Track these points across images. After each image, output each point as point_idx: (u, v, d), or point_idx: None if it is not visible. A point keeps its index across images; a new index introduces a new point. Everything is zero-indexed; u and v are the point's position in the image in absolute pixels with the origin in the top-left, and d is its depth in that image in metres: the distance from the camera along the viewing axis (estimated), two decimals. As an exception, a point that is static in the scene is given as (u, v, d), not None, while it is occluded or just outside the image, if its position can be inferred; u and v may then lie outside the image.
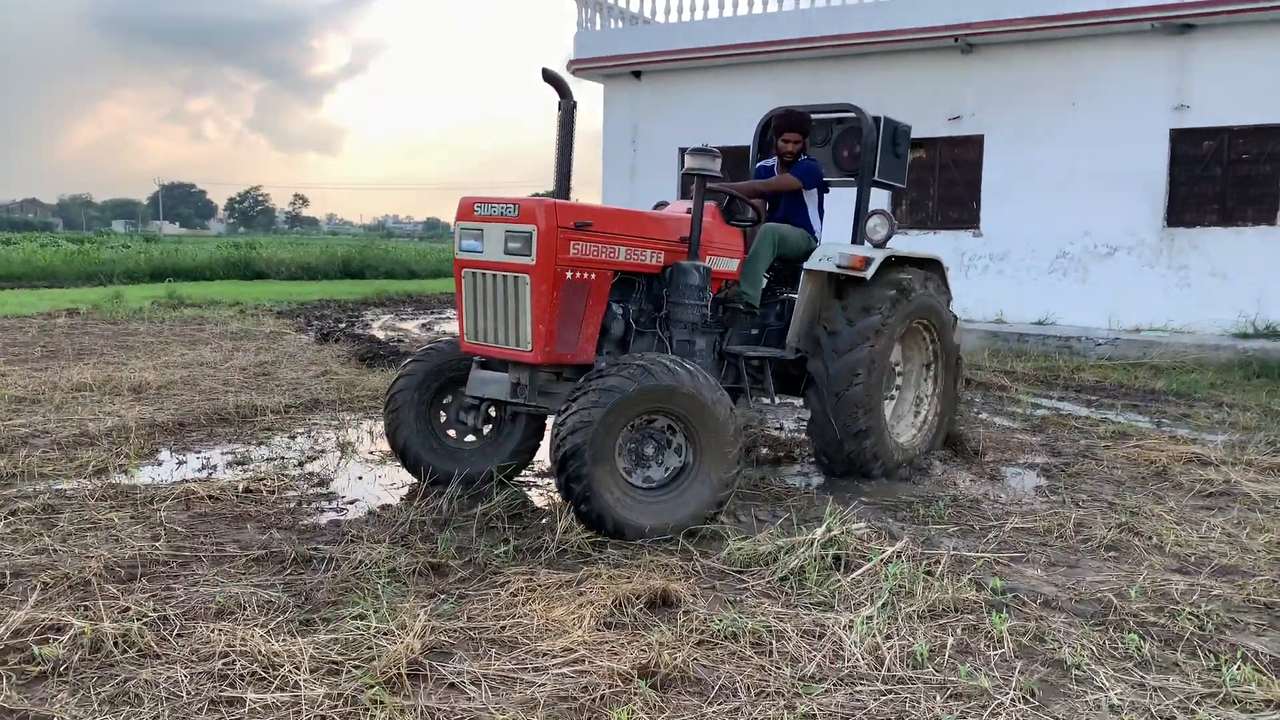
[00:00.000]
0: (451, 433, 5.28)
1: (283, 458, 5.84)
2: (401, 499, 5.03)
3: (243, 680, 2.89)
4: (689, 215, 5.12)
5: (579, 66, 16.75)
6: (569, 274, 4.61)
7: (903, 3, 13.81)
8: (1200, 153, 12.47)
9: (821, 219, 6.06)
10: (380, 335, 12.71)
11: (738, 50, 15.06)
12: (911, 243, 14.28)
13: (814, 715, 2.81)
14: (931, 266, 6.01)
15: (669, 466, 4.43)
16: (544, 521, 4.59)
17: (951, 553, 4.23)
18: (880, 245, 5.61)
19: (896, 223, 5.70)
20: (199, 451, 5.98)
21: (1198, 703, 2.95)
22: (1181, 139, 12.51)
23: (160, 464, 5.66)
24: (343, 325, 13.63)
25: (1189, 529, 4.78)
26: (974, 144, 13.84)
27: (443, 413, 5.27)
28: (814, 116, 6.14)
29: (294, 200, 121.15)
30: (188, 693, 2.80)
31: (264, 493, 5.01)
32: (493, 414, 5.20)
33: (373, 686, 2.82)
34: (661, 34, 16.11)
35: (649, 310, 5.16)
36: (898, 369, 6.02)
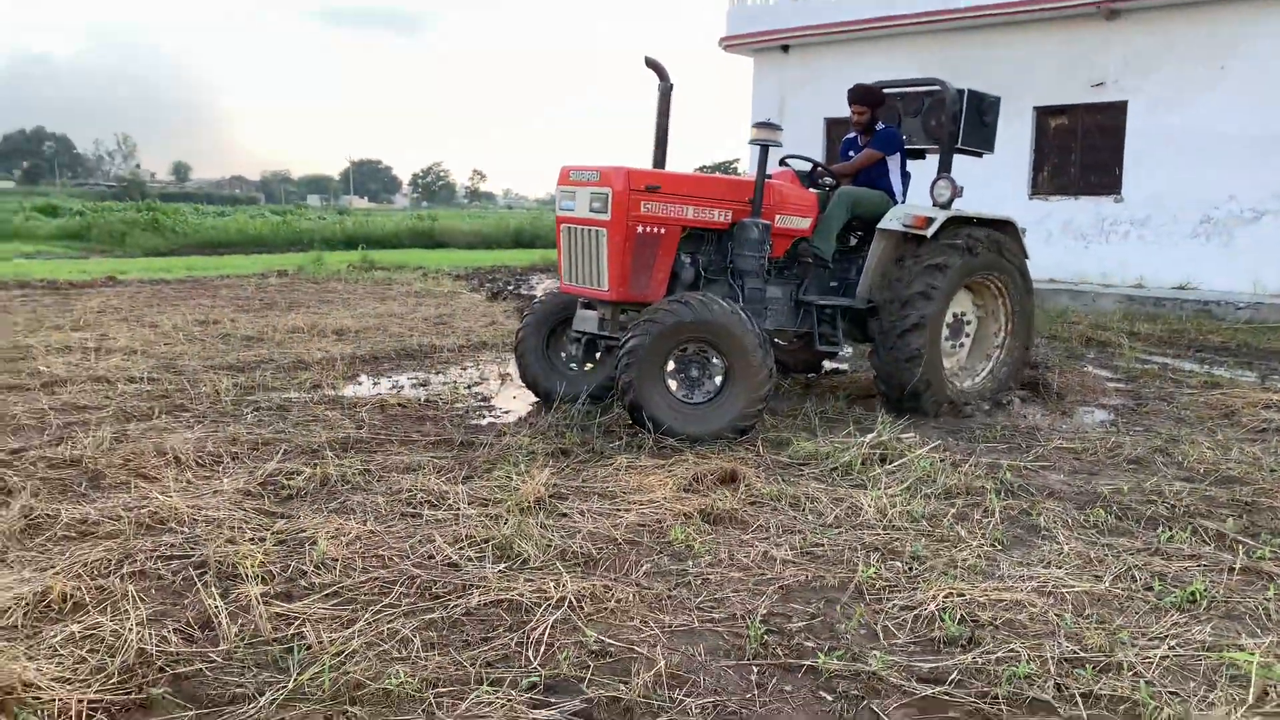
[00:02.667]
0: (563, 359, 6.46)
1: (455, 382, 7.18)
2: (543, 411, 6.25)
3: (421, 504, 4.15)
4: (765, 179, 6.06)
5: (730, 43, 17.65)
6: (640, 228, 5.64)
7: (1045, -29, 14.01)
8: (1355, 114, 12.23)
9: (906, 183, 6.85)
10: (541, 295, 14.13)
11: (881, 23, 15.61)
12: (1052, 208, 14.57)
13: (822, 544, 3.81)
14: (1003, 228, 6.63)
15: (712, 387, 5.41)
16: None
17: (982, 458, 5.08)
18: (944, 207, 6.33)
19: (961, 187, 6.38)
20: (389, 376, 7.42)
21: (1131, 554, 3.77)
22: (1335, 100, 12.29)
23: (360, 384, 7.11)
24: (511, 286, 15.13)
25: (1219, 453, 5.40)
26: (1117, 109, 13.94)
27: (560, 346, 6.46)
28: (906, 91, 6.94)
29: (473, 175, 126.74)
30: (385, 508, 4.08)
31: (440, 404, 6.35)
32: (598, 347, 6.28)
33: (509, 509, 4.02)
34: (809, 9, 16.77)
35: (718, 261, 6.12)
36: (967, 320, 6.69)
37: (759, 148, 5.84)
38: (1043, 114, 14.69)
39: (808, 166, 6.84)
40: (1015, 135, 14.59)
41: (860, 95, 6.70)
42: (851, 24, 15.99)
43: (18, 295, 11.98)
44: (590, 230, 5.73)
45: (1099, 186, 14.29)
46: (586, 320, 5.98)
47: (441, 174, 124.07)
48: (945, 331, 6.46)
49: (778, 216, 6.22)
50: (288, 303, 11.88)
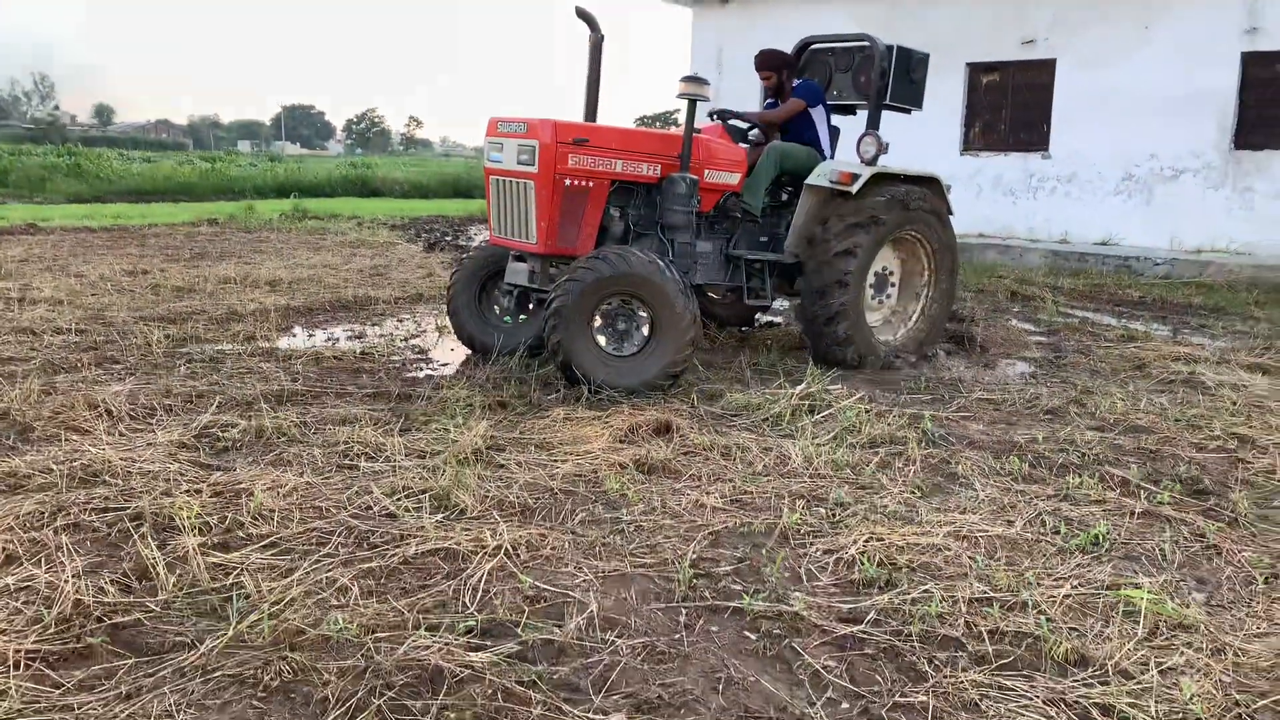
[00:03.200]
0: (497, 313, 6.50)
1: (391, 334, 7.17)
2: (480, 364, 6.28)
3: (358, 456, 4.19)
4: (694, 133, 6.09)
5: (669, -8, 17.52)
6: (568, 181, 5.67)
7: (981, -72, 14.15)
8: (1272, 75, 12.65)
9: (835, 138, 6.96)
10: (472, 249, 14.04)
11: (820, -24, 15.61)
12: (982, 164, 14.85)
13: (751, 492, 3.95)
14: (929, 184, 6.77)
15: (640, 339, 5.48)
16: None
17: (906, 409, 5.27)
18: (870, 163, 6.45)
19: (887, 143, 6.50)
20: (324, 328, 7.37)
21: (1042, 500, 3.98)
22: (1253, 62, 12.69)
23: (294, 335, 7.06)
24: (449, 237, 15.01)
25: (1129, 404, 5.66)
26: (1046, 68, 14.21)
27: (491, 298, 6.51)
28: (838, 46, 7.03)
29: (409, 122, 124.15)
30: (322, 461, 4.12)
31: (376, 356, 6.35)
32: (529, 300, 6.31)
33: (447, 461, 4.09)
34: (749, -40, 16.71)
35: (648, 215, 6.18)
36: (891, 275, 6.85)
37: (686, 102, 5.87)
38: (975, 70, 14.91)
39: (736, 122, 6.90)
40: (948, 91, 14.81)
41: (764, 60, 6.78)
42: (791, -24, 15.97)
43: (-68, 243, 11.57)
44: (518, 183, 5.73)
45: (1028, 143, 14.60)
46: (517, 273, 6.02)
47: (376, 120, 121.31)
48: (869, 288, 6.61)
49: (706, 171, 6.28)
50: (219, 253, 11.66)
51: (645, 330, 5.48)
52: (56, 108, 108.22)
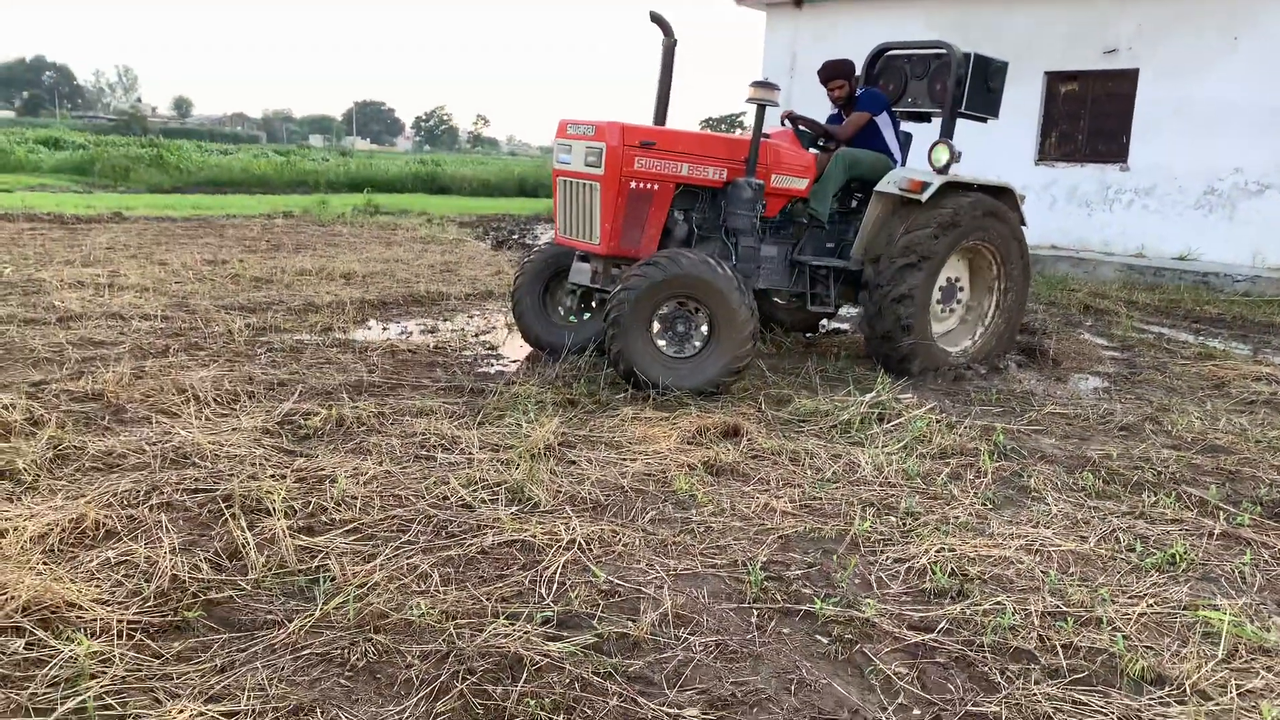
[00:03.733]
0: (561, 313, 6.57)
1: (463, 330, 7.30)
2: (550, 361, 6.37)
3: (434, 447, 4.29)
4: (763, 138, 6.11)
5: (743, -4, 17.51)
6: (633, 184, 5.72)
7: (1063, -66, 13.92)
8: (1365, 90, 12.24)
9: (906, 145, 6.90)
10: (536, 248, 14.20)
11: (896, -19, 15.49)
12: (1058, 175, 14.60)
13: (820, 498, 3.97)
14: (1001, 195, 6.67)
15: (700, 339, 5.50)
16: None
17: (977, 420, 5.23)
18: (942, 172, 6.37)
19: (960, 151, 6.41)
20: (398, 321, 7.53)
21: (1117, 517, 3.93)
22: (1346, 75, 12.29)
23: (370, 328, 7.23)
24: (515, 236, 15.19)
25: (1208, 423, 5.55)
26: (1127, 78, 13.91)
27: (555, 297, 6.59)
28: (914, 52, 6.98)
29: (476, 120, 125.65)
30: (400, 450, 4.23)
31: (449, 351, 6.47)
32: (592, 300, 6.39)
33: (520, 455, 4.17)
34: (823, -36, 16.63)
35: (712, 218, 6.19)
36: (960, 286, 6.78)
37: (755, 106, 5.88)
38: (1053, 79, 14.65)
39: (804, 129, 6.89)
40: (1025, 100, 14.57)
41: (831, 71, 6.74)
42: (865, -19, 15.87)
43: (26, 229, 12.04)
44: (585, 184, 5.81)
45: (1106, 154, 14.31)
46: (581, 272, 6.09)
47: (445, 118, 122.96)
48: (937, 296, 6.55)
49: (773, 176, 6.28)
50: (294, 244, 11.95)
51: (704, 330, 5.51)
52: (139, 100, 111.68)
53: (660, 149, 5.80)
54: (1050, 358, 7.28)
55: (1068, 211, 14.52)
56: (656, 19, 5.88)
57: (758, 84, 5.73)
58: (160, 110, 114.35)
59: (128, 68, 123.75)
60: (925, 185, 6.23)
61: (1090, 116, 14.43)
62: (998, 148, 14.05)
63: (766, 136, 6.35)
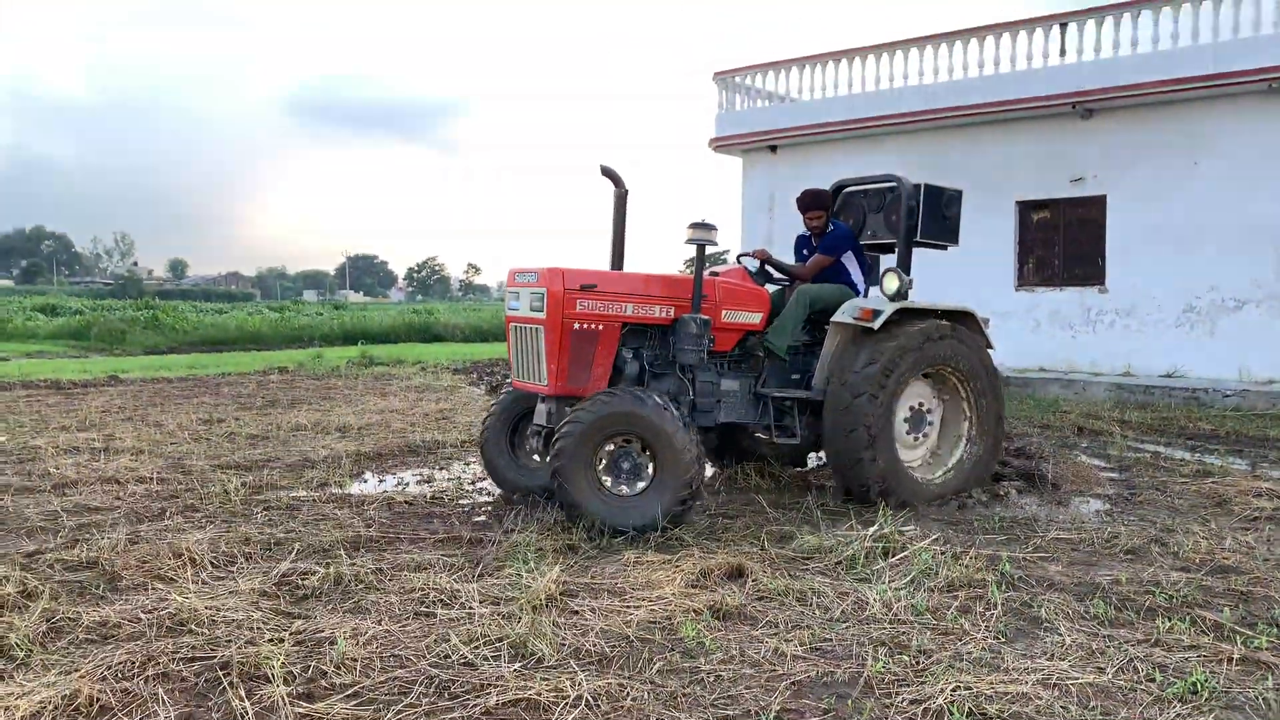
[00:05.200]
0: (529, 454, 6.59)
1: (459, 478, 7.28)
2: (547, 506, 6.33)
3: (434, 603, 4.22)
4: (708, 276, 6.28)
5: (720, 144, 18.22)
6: (576, 325, 5.87)
7: (1021, 74, 14.65)
8: (1328, 206, 12.65)
9: (867, 275, 7.06)
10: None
11: (866, 123, 16.18)
12: (1038, 299, 14.90)
13: (830, 639, 3.89)
14: (963, 318, 6.74)
15: (645, 480, 5.53)
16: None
17: (982, 550, 5.18)
18: (894, 299, 6.48)
19: (910, 279, 6.50)
20: (394, 473, 7.51)
21: (1132, 646, 3.86)
22: (1308, 193, 12.73)
23: (366, 481, 7.20)
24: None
25: (1214, 542, 5.50)
26: (1097, 204, 14.38)
27: (522, 439, 6.62)
28: (869, 187, 7.25)
29: (467, 269, 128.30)
30: (399, 608, 4.16)
31: (446, 500, 6.44)
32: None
33: (522, 607, 4.10)
34: (796, 111, 17.39)
35: (664, 355, 6.30)
36: (928, 410, 6.75)
37: (695, 246, 6.00)
38: (1025, 208, 15.14)
39: (757, 265, 7.06)
40: (999, 228, 15.02)
41: (810, 201, 6.97)
42: (837, 124, 16.57)
43: (22, 395, 12.10)
44: (531, 328, 5.98)
45: (1083, 277, 14.65)
46: (540, 414, 6.18)
47: (436, 268, 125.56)
48: (903, 424, 6.58)
49: (725, 312, 6.41)
50: (290, 400, 12.01)
51: (650, 470, 5.55)
52: (135, 264, 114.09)
53: (601, 291, 5.97)
54: (1050, 481, 7.25)
55: (1052, 334, 14.75)
56: (607, 172, 6.14)
57: (695, 225, 5.87)
58: (156, 272, 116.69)
59: (124, 233, 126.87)
60: (876, 313, 6.32)
61: (1064, 242, 14.84)
62: (979, 275, 14.42)
63: (715, 274, 6.53)
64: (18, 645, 3.62)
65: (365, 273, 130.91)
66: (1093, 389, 13.12)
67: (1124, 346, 14.08)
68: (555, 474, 5.38)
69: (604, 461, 5.53)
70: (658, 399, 5.56)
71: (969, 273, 13.99)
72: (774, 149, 17.75)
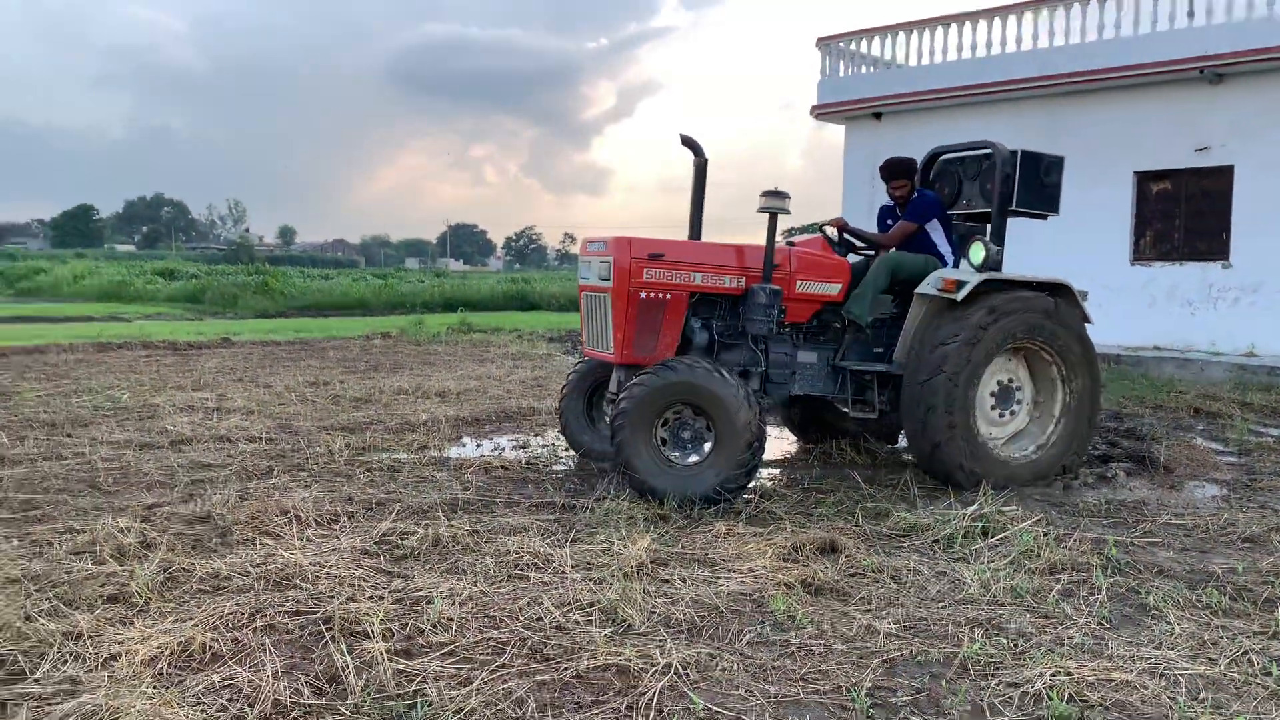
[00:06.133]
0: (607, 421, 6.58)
1: (554, 444, 7.36)
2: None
3: (528, 566, 4.29)
4: (784, 245, 6.18)
5: (822, 111, 17.88)
6: (643, 294, 5.83)
7: (1146, 37, 13.93)
8: None
9: (956, 246, 6.81)
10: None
11: (975, 90, 15.64)
12: (1155, 274, 14.25)
13: (925, 618, 3.82)
14: (1059, 291, 6.45)
15: (705, 450, 5.47)
16: (753, 487, 5.78)
17: (1087, 533, 5.01)
18: (980, 269, 6.21)
19: (999, 249, 6.24)
20: (491, 438, 7.65)
21: (1248, 637, 3.68)
22: None
23: (464, 445, 7.35)
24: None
25: (1340, 533, 5.20)
26: (1223, 174, 13.64)
27: (599, 406, 6.68)
28: (965, 155, 6.99)
29: (564, 238, 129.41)
30: (494, 570, 4.23)
31: (540, 466, 6.53)
32: None
33: (613, 574, 4.13)
34: (901, 77, 16.92)
35: (734, 325, 6.18)
36: (1017, 387, 6.50)
37: (768, 215, 5.86)
38: (1144, 179, 14.45)
39: (836, 235, 6.90)
40: (1115, 200, 14.39)
41: (893, 170, 6.77)
42: (944, 91, 16.07)
43: (142, 355, 12.70)
44: (600, 297, 5.99)
45: (1205, 252, 13.94)
46: (614, 382, 6.18)
47: (534, 237, 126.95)
48: (989, 402, 6.36)
49: (799, 282, 6.27)
50: (392, 364, 12.32)
51: (709, 441, 5.51)
52: (247, 230, 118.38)
53: (669, 260, 5.92)
54: (1161, 465, 6.96)
55: (1168, 311, 14.10)
56: (687, 141, 6.04)
57: (768, 193, 5.76)
58: (267, 239, 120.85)
59: (237, 200, 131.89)
60: (960, 284, 6.10)
61: (1185, 214, 14.14)
62: (1090, 248, 13.87)
63: (792, 244, 6.38)
64: (138, 593, 3.81)
65: (465, 241, 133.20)
66: (1211, 369, 12.51)
67: (1247, 325, 13.37)
68: (615, 442, 5.41)
69: (664, 431, 5.53)
70: (716, 368, 5.49)
71: (1080, 246, 13.47)
72: (878, 116, 17.33)
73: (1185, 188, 14.09)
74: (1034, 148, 6.84)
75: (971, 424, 6.11)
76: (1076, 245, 13.06)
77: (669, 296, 5.96)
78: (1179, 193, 14.16)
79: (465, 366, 12.21)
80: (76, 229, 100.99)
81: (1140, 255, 14.56)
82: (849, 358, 6.53)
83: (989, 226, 6.62)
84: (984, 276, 6.17)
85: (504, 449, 7.19)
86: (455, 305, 25.41)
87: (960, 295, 6.08)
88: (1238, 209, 13.54)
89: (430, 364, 12.49)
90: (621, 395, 5.49)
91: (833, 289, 6.44)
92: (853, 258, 6.81)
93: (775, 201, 5.78)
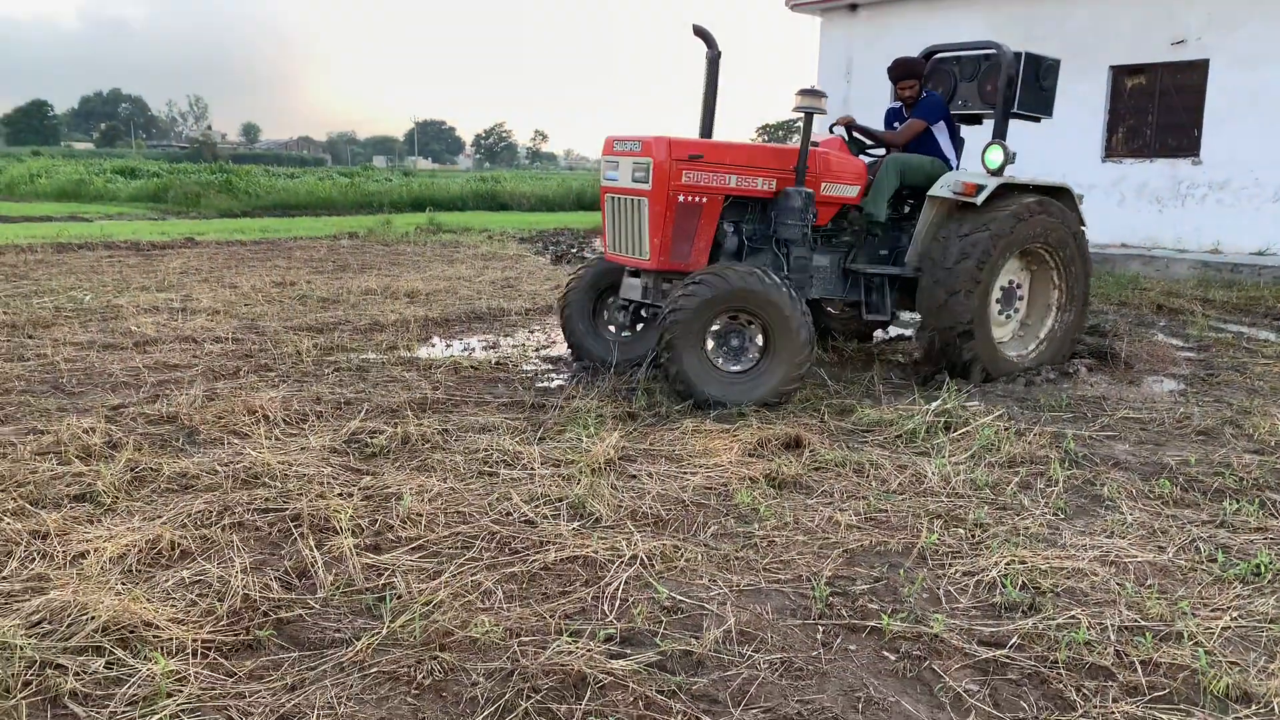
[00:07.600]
0: (611, 328, 6.56)
1: (523, 345, 7.36)
2: (608, 375, 6.38)
3: (497, 463, 4.33)
4: (812, 146, 6.04)
5: (797, 2, 17.43)
6: (681, 197, 5.68)
7: (1126, -74, 13.62)
8: None
9: (959, 148, 6.78)
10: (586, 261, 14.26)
11: (953, -19, 15.29)
12: (1126, 171, 14.24)
13: (886, 510, 3.91)
14: (1060, 195, 6.51)
15: (753, 357, 5.46)
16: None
17: (1047, 427, 5.11)
18: (996, 174, 6.23)
19: (1014, 152, 6.26)
20: (461, 338, 7.62)
21: (1196, 526, 3.80)
22: None
23: (433, 345, 7.32)
24: (574, 249, 15.29)
25: (1292, 425, 5.34)
26: (1197, 69, 13.52)
27: (604, 311, 6.58)
28: (964, 54, 6.87)
29: (534, 136, 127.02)
30: (463, 467, 4.27)
31: (510, 366, 6.53)
32: (643, 315, 6.37)
33: (581, 470, 4.18)
34: (878, -33, 16.48)
35: (762, 229, 6.12)
36: (1019, 289, 6.60)
37: (804, 115, 5.81)
38: (1119, 73, 14.31)
39: (860, 137, 6.81)
40: (1089, 95, 14.26)
41: (903, 70, 6.64)
42: (922, -18, 15.68)
43: (104, 256, 12.46)
44: (633, 200, 5.80)
45: (1176, 148, 13.92)
46: (632, 288, 6.09)
47: (504, 135, 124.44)
48: (996, 300, 6.42)
49: (824, 184, 6.20)
50: (360, 265, 12.18)
51: (760, 343, 5.47)
52: (209, 127, 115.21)
53: (707, 161, 5.77)
54: (1122, 360, 7.08)
55: (1137, 208, 14.14)
56: (700, 32, 5.86)
57: (804, 92, 5.65)
58: (230, 137, 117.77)
59: (198, 97, 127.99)
60: (980, 188, 6.10)
61: (1159, 110, 14.06)
62: (1062, 145, 13.77)
63: (815, 145, 6.29)
64: (104, 492, 3.81)
65: (434, 139, 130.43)
66: (1176, 266, 12.63)
67: (1214, 222, 13.46)
68: (666, 355, 5.28)
69: (712, 341, 5.44)
70: (766, 274, 5.41)
71: (1049, 143, 13.35)
72: (854, 8, 16.94)
73: (1160, 82, 13.98)
74: (1010, 41, 6.74)
75: (987, 320, 6.23)
76: (1045, 143, 12.97)
77: (705, 200, 5.80)
78: (1153, 87, 14.05)
79: (434, 267, 12.10)
80: (30, 125, 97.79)
81: (1112, 152, 14.52)
82: (860, 260, 6.52)
83: (984, 128, 6.58)
84: (1001, 180, 6.18)
85: (474, 349, 7.18)
86: (424, 205, 25.04)
87: (980, 199, 6.08)
88: (1210, 104, 13.47)
89: (399, 264, 12.35)
90: (669, 309, 5.33)
91: (852, 191, 6.36)
92: (863, 158, 6.74)
93: (811, 100, 5.64)
